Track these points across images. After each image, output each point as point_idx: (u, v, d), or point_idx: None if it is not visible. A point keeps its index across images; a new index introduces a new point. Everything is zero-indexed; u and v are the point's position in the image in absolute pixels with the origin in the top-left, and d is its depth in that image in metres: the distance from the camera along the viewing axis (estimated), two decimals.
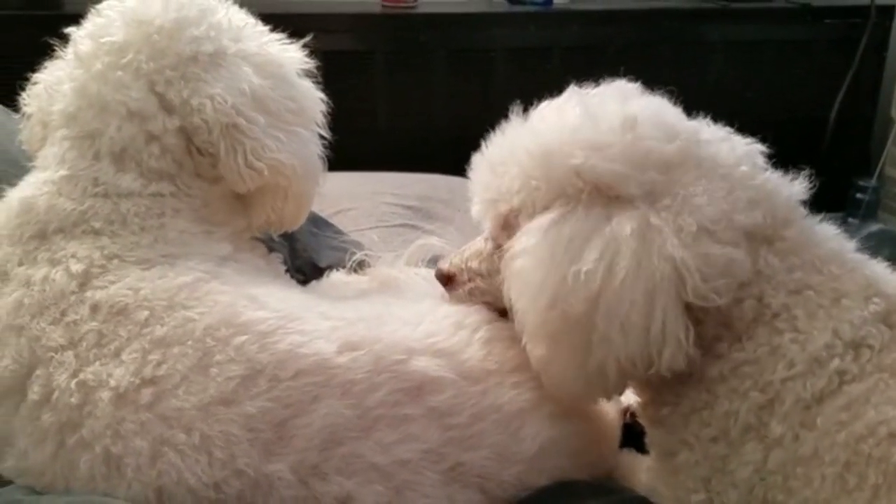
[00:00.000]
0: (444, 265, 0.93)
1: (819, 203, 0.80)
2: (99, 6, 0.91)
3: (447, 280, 0.93)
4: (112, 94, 0.84)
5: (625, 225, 0.71)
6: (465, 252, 0.92)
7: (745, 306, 0.73)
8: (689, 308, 0.72)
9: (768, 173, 0.78)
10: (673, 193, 0.73)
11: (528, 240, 0.76)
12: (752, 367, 0.72)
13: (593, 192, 0.74)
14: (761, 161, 0.78)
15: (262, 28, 0.96)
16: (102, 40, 0.87)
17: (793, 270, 0.74)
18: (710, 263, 0.70)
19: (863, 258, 0.78)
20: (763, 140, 0.82)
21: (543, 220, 0.75)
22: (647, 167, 0.73)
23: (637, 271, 0.70)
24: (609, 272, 0.70)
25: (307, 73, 0.96)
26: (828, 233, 0.78)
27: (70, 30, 0.92)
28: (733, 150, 0.77)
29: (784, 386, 0.71)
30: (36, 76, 0.95)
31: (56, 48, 0.95)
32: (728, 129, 0.81)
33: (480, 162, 0.86)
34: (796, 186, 0.78)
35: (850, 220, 2.74)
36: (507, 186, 0.80)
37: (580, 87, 0.84)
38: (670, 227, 0.71)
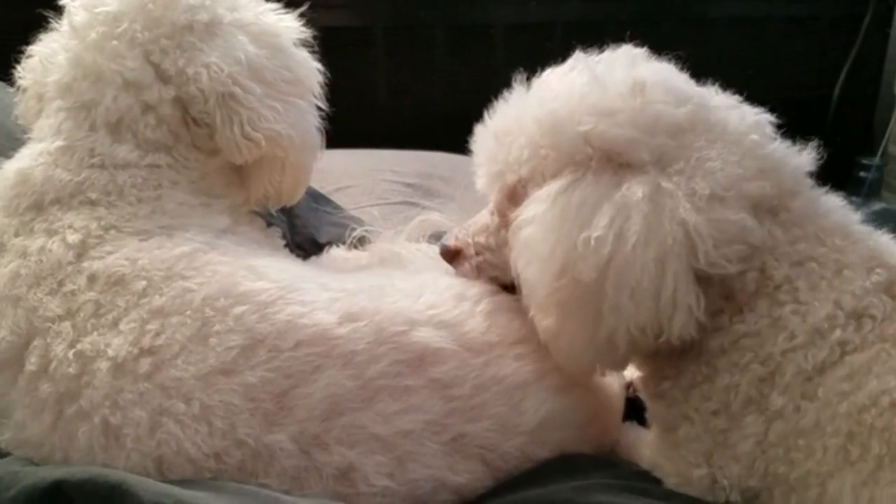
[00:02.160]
0: (450, 241, 0.91)
1: (822, 182, 0.79)
2: None
3: (453, 255, 0.91)
4: (107, 64, 0.83)
5: (636, 189, 0.70)
6: (471, 227, 0.90)
7: (748, 278, 0.72)
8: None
9: (777, 143, 0.77)
10: (685, 157, 0.71)
11: (536, 208, 0.74)
12: (752, 340, 0.72)
13: (603, 159, 0.73)
14: (770, 131, 0.77)
15: None
16: (97, 10, 0.86)
17: (796, 242, 0.73)
18: (722, 229, 0.70)
19: (867, 230, 0.77)
20: None
21: (552, 187, 0.74)
22: (657, 132, 0.72)
23: (648, 236, 0.69)
24: (619, 238, 0.69)
25: (303, 44, 0.95)
26: (832, 204, 0.77)
27: (64, 1, 0.91)
28: (743, 118, 0.76)
29: (785, 357, 0.70)
30: (31, 49, 0.94)
31: (51, 22, 0.94)
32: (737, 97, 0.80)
33: (484, 133, 0.85)
34: (804, 157, 0.77)
35: (854, 198, 2.72)
36: (515, 156, 0.79)
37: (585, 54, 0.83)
38: (682, 190, 0.70)
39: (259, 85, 0.87)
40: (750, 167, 0.72)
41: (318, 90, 0.95)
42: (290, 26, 0.94)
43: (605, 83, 0.75)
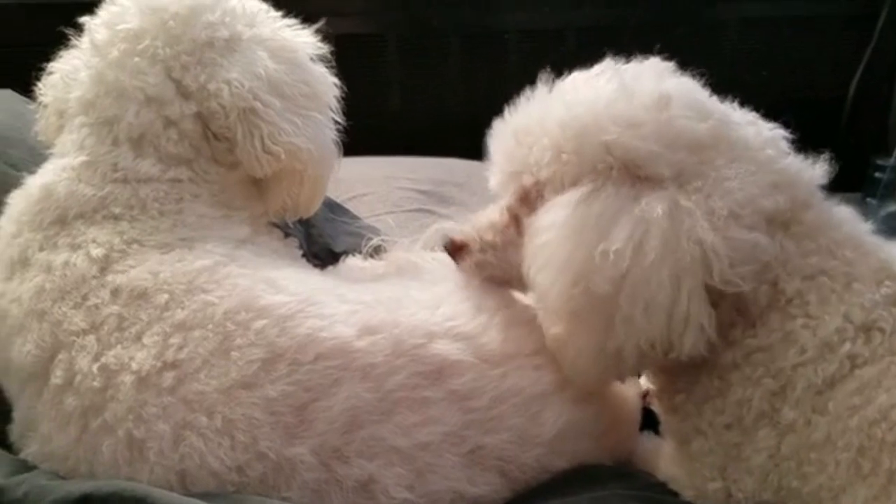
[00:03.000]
0: (457, 235, 0.91)
1: (836, 183, 0.79)
2: None
3: (457, 249, 0.91)
4: (129, 81, 0.85)
5: (655, 206, 0.70)
6: (479, 222, 0.90)
7: (760, 292, 0.73)
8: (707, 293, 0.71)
9: (791, 157, 0.77)
10: (704, 175, 0.72)
11: (555, 215, 0.75)
12: (764, 354, 0.72)
13: (623, 170, 0.73)
14: (785, 146, 0.78)
15: (275, 13, 0.96)
16: (118, 28, 0.87)
17: (808, 255, 0.73)
18: (737, 248, 0.70)
19: (879, 241, 0.77)
20: (779, 119, 0.81)
21: (572, 195, 0.74)
22: (679, 147, 0.73)
23: (665, 253, 0.69)
24: (637, 253, 0.70)
25: (320, 58, 0.96)
26: (844, 216, 0.78)
27: (84, 19, 0.92)
28: (759, 133, 0.77)
29: (796, 372, 0.70)
30: (51, 66, 0.96)
31: (71, 37, 0.96)
32: (753, 113, 0.80)
33: (504, 130, 0.84)
34: (817, 170, 0.77)
35: (868, 199, 2.71)
36: (536, 158, 0.79)
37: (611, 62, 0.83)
38: (701, 209, 0.70)
39: (278, 99, 0.88)
40: (765, 182, 0.73)
41: (334, 104, 0.96)
42: (307, 41, 0.95)
43: (632, 93, 0.76)
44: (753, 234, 0.71)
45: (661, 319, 0.70)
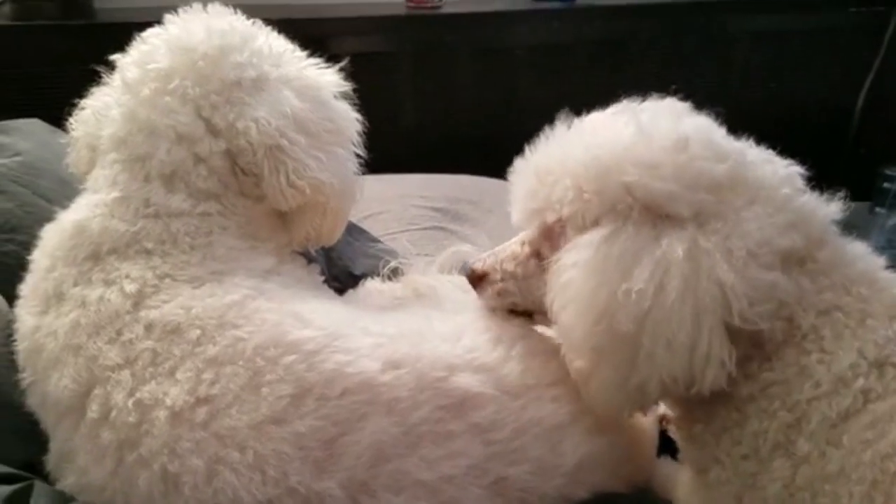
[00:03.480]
0: (478, 265, 0.94)
1: (846, 193, 0.80)
2: (143, 34, 0.94)
3: (478, 279, 0.94)
4: (161, 119, 0.87)
5: (676, 246, 0.72)
6: (500, 254, 0.93)
7: (776, 327, 0.74)
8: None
9: (807, 196, 0.79)
10: (723, 216, 0.74)
11: (578, 254, 0.77)
12: (780, 388, 0.74)
13: (643, 210, 0.75)
14: (800, 183, 0.79)
15: (300, 53, 0.99)
16: (149, 67, 0.90)
17: (822, 291, 0.75)
18: (756, 288, 0.72)
19: (893, 278, 0.78)
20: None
21: (594, 235, 0.76)
22: (698, 188, 0.75)
23: (686, 293, 0.71)
24: (659, 292, 0.72)
25: (343, 95, 0.99)
26: (858, 252, 0.79)
27: (115, 57, 0.95)
28: (776, 172, 0.78)
29: (810, 405, 0.72)
30: (83, 102, 0.98)
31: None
32: (770, 151, 0.82)
33: (525, 168, 0.87)
34: (831, 207, 0.79)
35: (878, 209, 2.71)
36: (558, 196, 0.81)
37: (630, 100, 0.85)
38: (720, 250, 0.72)
39: (303, 136, 0.90)
40: (782, 222, 0.74)
41: (356, 139, 0.99)
42: (331, 80, 0.98)
43: (651, 135, 0.78)
44: (772, 274, 0.72)
45: (683, 356, 0.72)
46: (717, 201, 0.75)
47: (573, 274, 0.77)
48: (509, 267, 0.91)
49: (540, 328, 0.92)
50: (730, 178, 0.76)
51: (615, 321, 0.73)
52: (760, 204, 0.75)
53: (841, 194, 0.80)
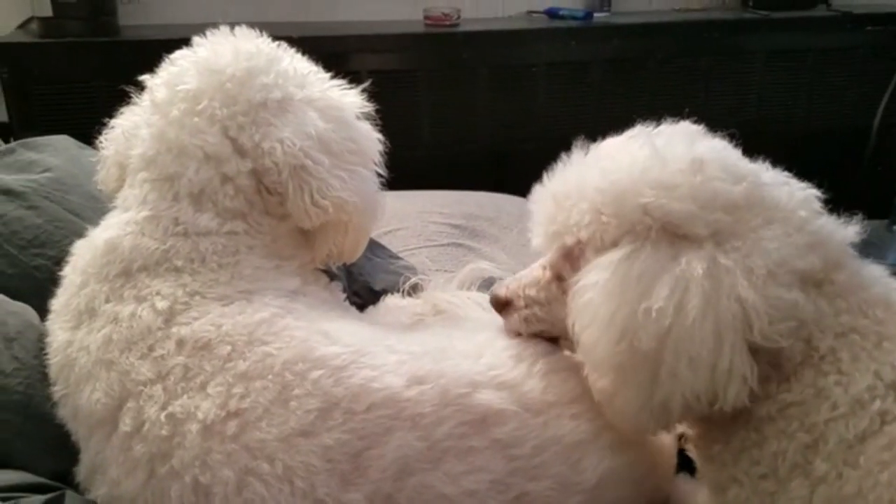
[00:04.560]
0: (501, 291, 0.95)
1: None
2: (172, 56, 0.97)
3: (503, 306, 0.95)
4: (189, 139, 0.90)
5: (695, 265, 0.73)
6: (522, 279, 0.94)
7: (794, 349, 0.75)
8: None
9: (824, 218, 0.80)
10: (741, 235, 0.75)
11: (598, 274, 0.78)
12: (798, 409, 0.75)
13: (661, 230, 0.76)
14: (818, 206, 0.80)
15: (324, 75, 1.01)
16: (178, 88, 0.92)
17: (840, 314, 0.76)
18: (776, 306, 0.73)
19: None
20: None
21: (613, 255, 0.78)
22: (715, 208, 0.76)
23: (707, 310, 0.72)
24: (679, 310, 0.73)
25: (365, 116, 1.01)
26: (875, 275, 0.80)
27: (144, 78, 0.98)
28: (792, 194, 0.80)
29: (828, 427, 0.73)
30: (113, 121, 1.01)
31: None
32: (786, 173, 0.83)
33: (544, 194, 0.88)
34: (849, 230, 0.80)
35: (895, 228, 2.71)
36: (576, 220, 0.82)
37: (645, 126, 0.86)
38: (740, 268, 0.73)
39: (327, 156, 0.93)
40: (800, 244, 0.76)
41: (378, 158, 1.01)
42: (353, 101, 1.00)
43: (666, 158, 0.79)
44: (792, 293, 0.73)
45: (705, 373, 0.73)
46: (734, 221, 0.76)
47: (593, 294, 0.78)
48: (531, 292, 0.92)
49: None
50: (746, 198, 0.77)
51: (636, 340, 0.74)
52: (778, 224, 0.76)
53: (858, 217, 0.81)
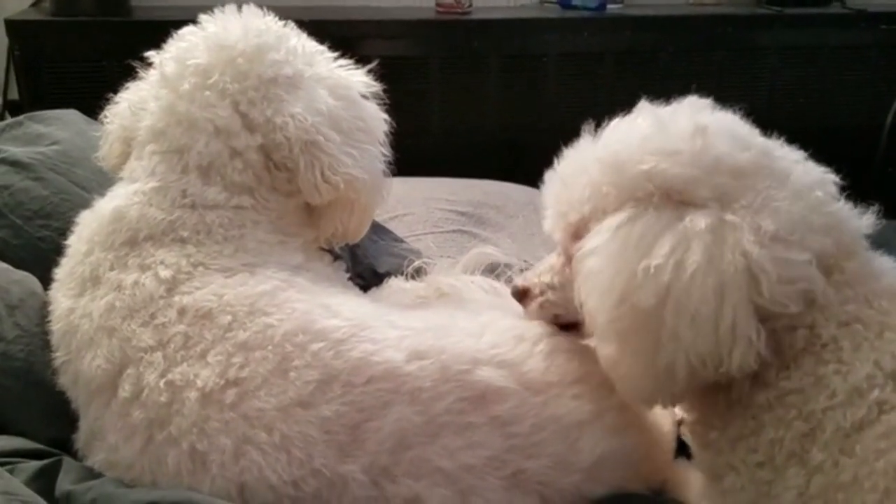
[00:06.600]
0: (520, 280, 0.95)
1: (875, 210, 0.80)
2: (180, 32, 0.97)
3: (522, 295, 0.94)
4: (200, 113, 0.90)
5: (699, 220, 0.72)
6: (539, 267, 0.94)
7: (798, 335, 0.74)
8: None
9: (841, 203, 0.78)
10: (750, 196, 0.73)
11: (598, 238, 0.77)
12: (796, 397, 0.74)
13: (664, 196, 0.75)
14: (834, 189, 0.78)
15: (330, 54, 1.01)
16: (188, 62, 0.92)
17: (846, 302, 0.75)
18: (786, 267, 0.71)
19: None
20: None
21: (613, 219, 0.76)
22: (719, 172, 0.74)
23: (708, 265, 0.70)
24: (679, 266, 0.71)
25: (372, 95, 1.02)
26: (885, 266, 0.78)
27: (151, 53, 0.98)
28: (808, 173, 0.77)
29: (825, 415, 0.72)
30: (118, 96, 1.01)
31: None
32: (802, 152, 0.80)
33: (553, 177, 0.87)
34: (864, 220, 0.78)
35: None
36: (578, 196, 0.81)
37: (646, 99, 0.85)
38: (747, 224, 0.71)
39: (337, 133, 0.93)
40: (815, 222, 0.74)
41: (384, 138, 1.01)
42: (360, 80, 1.00)
43: (668, 127, 0.78)
44: (805, 256, 0.71)
45: (707, 333, 0.71)
46: (741, 185, 0.73)
47: (594, 259, 0.76)
48: (546, 279, 0.92)
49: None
50: (753, 165, 0.75)
51: (636, 299, 0.72)
52: (788, 192, 0.74)
53: (874, 208, 0.79)
